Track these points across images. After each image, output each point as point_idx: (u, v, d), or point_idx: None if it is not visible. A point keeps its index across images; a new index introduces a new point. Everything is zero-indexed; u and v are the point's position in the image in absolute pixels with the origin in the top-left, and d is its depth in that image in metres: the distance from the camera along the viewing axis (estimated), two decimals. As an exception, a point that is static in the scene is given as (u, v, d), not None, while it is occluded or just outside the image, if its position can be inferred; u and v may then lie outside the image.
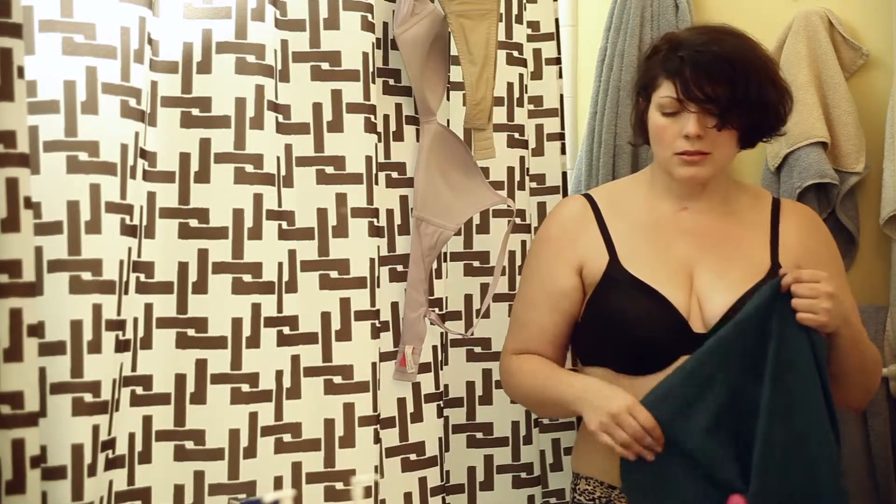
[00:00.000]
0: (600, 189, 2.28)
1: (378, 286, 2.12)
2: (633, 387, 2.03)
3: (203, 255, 1.95)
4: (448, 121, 2.31)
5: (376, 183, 2.12)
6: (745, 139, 2.10)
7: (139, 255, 1.90)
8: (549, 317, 2.14)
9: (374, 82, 2.11)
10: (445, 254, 2.35)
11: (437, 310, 2.26)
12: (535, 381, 2.13)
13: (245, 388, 1.95)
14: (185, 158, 1.95)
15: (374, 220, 2.11)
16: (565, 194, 2.52)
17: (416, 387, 2.23)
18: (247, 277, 1.96)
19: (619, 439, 1.96)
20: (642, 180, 2.20)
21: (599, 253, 2.11)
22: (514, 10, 2.43)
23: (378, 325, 2.12)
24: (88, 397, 1.74)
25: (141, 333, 1.91)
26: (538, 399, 2.16)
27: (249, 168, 1.97)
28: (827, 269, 2.07)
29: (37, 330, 1.62)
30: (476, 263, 2.40)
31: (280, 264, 2.01)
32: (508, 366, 2.19)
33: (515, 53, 2.43)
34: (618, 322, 2.05)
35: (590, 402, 2.01)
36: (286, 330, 2.02)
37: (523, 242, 2.42)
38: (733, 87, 2.00)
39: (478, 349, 2.39)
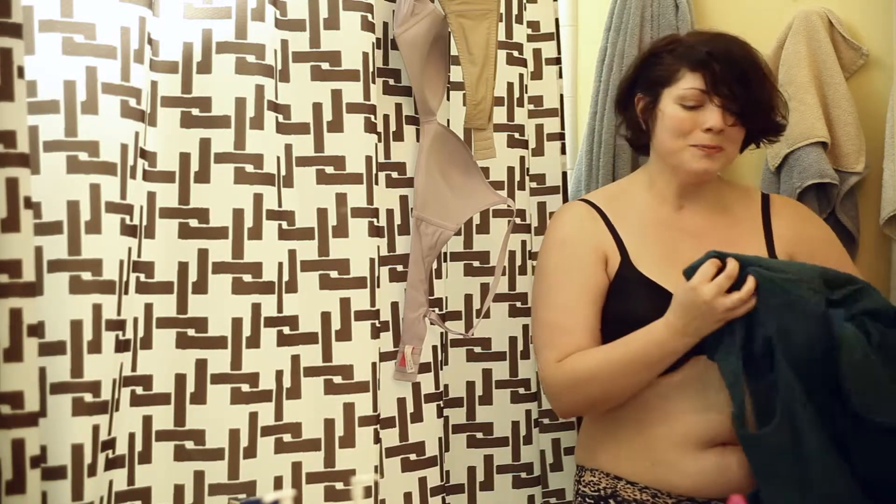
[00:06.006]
0: (596, 194, 2.28)
1: (378, 286, 2.12)
2: (650, 386, 2.05)
3: (203, 255, 1.95)
4: (448, 121, 2.31)
5: (376, 183, 2.12)
6: (745, 141, 2.17)
7: (139, 255, 1.90)
8: (594, 315, 2.12)
9: (374, 82, 2.11)
10: (445, 254, 2.35)
11: (437, 310, 2.26)
12: (613, 364, 2.05)
13: (245, 388, 1.95)
14: (185, 158, 1.95)
15: (374, 220, 2.11)
16: (565, 194, 2.52)
17: (416, 387, 2.23)
18: (247, 277, 1.96)
19: (737, 302, 1.95)
20: (639, 182, 2.22)
21: (613, 252, 2.13)
22: (514, 10, 2.43)
23: (378, 325, 2.12)
24: (88, 397, 1.74)
25: (141, 333, 1.91)
26: (629, 377, 2.05)
27: (249, 168, 1.97)
28: (828, 252, 2.16)
29: (37, 330, 1.62)
30: (476, 263, 2.40)
31: (280, 264, 2.01)
32: (564, 374, 2.10)
33: (515, 53, 2.43)
34: (631, 324, 2.05)
35: (687, 323, 1.98)
36: (286, 330, 2.02)
37: (523, 242, 2.42)
38: (753, 87, 2.08)
39: (478, 349, 2.39)
